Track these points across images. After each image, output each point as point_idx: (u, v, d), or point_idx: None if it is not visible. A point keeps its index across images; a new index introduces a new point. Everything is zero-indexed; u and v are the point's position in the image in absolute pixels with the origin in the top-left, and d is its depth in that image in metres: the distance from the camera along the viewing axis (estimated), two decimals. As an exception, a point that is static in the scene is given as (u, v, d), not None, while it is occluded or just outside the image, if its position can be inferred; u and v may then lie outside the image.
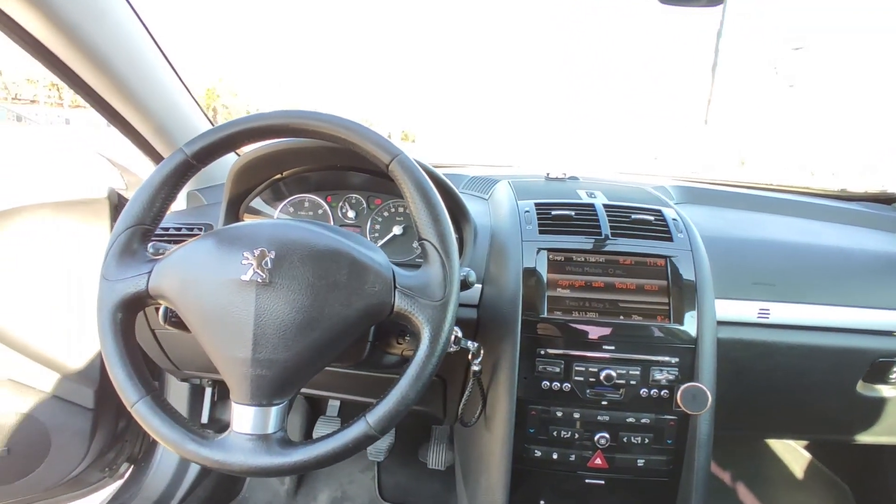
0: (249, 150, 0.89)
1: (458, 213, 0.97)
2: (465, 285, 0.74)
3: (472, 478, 0.95)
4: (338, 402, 1.51)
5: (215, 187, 1.18)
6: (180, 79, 1.00)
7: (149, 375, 0.64)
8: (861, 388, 0.97)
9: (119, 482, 1.41)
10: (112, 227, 1.15)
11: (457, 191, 0.93)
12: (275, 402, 0.61)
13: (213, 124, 1.13)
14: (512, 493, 0.87)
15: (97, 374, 1.21)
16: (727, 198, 1.25)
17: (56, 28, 0.74)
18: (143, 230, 0.66)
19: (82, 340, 1.18)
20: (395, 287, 0.62)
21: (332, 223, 1.04)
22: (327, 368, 0.99)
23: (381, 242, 1.03)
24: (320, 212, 1.05)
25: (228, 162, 0.95)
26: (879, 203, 1.35)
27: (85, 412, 1.21)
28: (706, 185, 1.36)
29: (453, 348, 0.75)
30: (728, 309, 0.91)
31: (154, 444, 1.43)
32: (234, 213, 1.00)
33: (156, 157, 1.10)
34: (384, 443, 1.43)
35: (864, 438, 1.09)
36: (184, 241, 1.03)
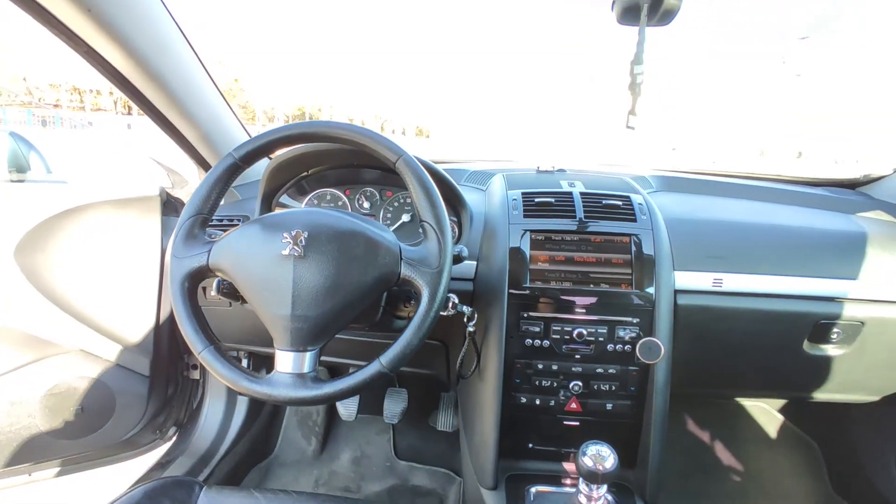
0: (280, 153, 1.07)
1: (456, 202, 1.14)
2: (458, 259, 0.91)
3: (470, 424, 1.13)
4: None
5: (248, 185, 1.38)
6: (222, 96, 1.19)
7: (210, 331, 0.81)
8: (807, 347, 1.12)
9: (168, 444, 1.62)
10: (162, 220, 1.36)
11: (454, 182, 1.10)
12: (309, 349, 0.78)
13: (248, 133, 1.32)
14: (504, 438, 1.05)
15: (151, 346, 1.41)
16: (700, 185, 1.41)
17: (131, 59, 0.94)
18: (203, 218, 0.83)
19: (139, 316, 1.38)
20: (401, 259, 0.79)
21: None
22: (347, 337, 1.18)
23: (392, 228, 1.21)
24: (340, 203, 1.23)
25: (261, 164, 1.14)
26: (844, 188, 1.49)
27: (142, 378, 1.42)
28: (683, 175, 1.51)
29: (451, 312, 0.92)
30: (687, 279, 1.06)
31: (197, 410, 1.63)
32: (267, 207, 1.19)
33: (200, 160, 1.29)
34: (398, 407, 1.62)
35: (820, 396, 1.24)
36: (230, 228, 1.23)
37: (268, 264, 0.76)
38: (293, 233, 0.76)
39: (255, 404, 1.67)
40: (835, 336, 1.10)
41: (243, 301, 1.08)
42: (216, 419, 1.61)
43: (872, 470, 1.46)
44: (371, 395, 1.71)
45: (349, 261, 0.77)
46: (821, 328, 1.09)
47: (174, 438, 1.62)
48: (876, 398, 1.25)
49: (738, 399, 1.74)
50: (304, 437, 1.75)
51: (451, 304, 0.92)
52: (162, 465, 1.51)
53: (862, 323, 1.08)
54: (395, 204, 1.22)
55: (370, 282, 0.78)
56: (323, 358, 0.85)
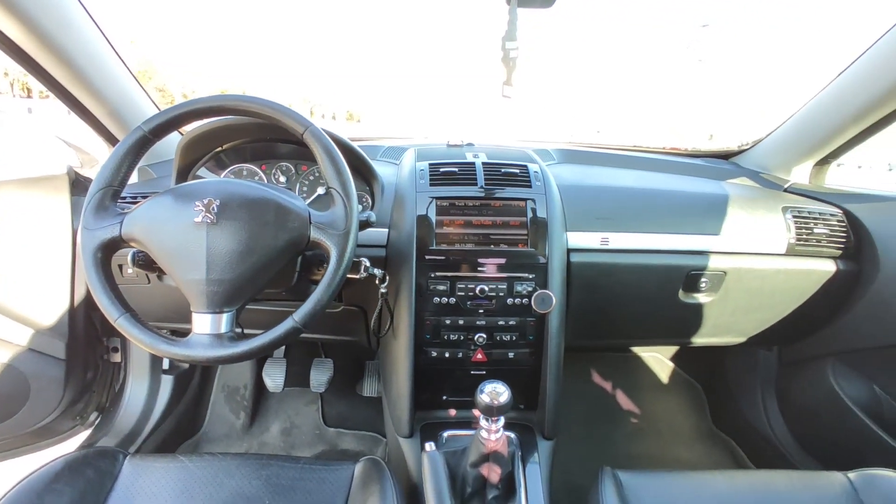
0: (192, 128, 1.09)
1: (367, 173, 1.21)
2: (367, 224, 0.99)
3: (388, 381, 1.22)
4: (283, 346, 1.75)
5: (162, 163, 1.38)
6: (130, 72, 1.19)
7: (125, 300, 0.84)
8: (682, 296, 1.28)
9: (90, 429, 1.60)
10: (71, 200, 1.34)
11: (363, 154, 1.17)
12: (225, 310, 0.82)
13: (158, 108, 1.32)
14: (421, 393, 1.14)
15: (66, 329, 1.39)
16: (596, 157, 1.55)
17: (32, 35, 0.93)
18: (113, 191, 0.85)
19: (51, 299, 1.35)
20: (310, 223, 0.85)
21: None
22: (267, 308, 1.23)
23: (308, 201, 1.25)
24: (256, 178, 1.26)
25: (174, 141, 1.16)
26: (719, 158, 1.69)
27: (58, 362, 1.39)
28: (584, 148, 1.65)
29: (363, 275, 0.99)
30: (578, 238, 1.19)
31: (120, 392, 1.62)
32: (183, 181, 1.20)
33: (109, 137, 1.28)
34: (324, 376, 1.68)
35: (697, 340, 1.42)
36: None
37: (181, 231, 0.80)
38: (205, 201, 0.80)
39: (181, 383, 1.67)
40: (703, 285, 1.26)
41: (160, 273, 1.11)
42: (140, 400, 1.60)
43: (744, 405, 1.68)
44: (298, 368, 1.76)
45: (261, 226, 0.82)
46: (692, 278, 1.25)
47: (96, 423, 1.61)
48: (743, 340, 1.45)
49: (635, 350, 1.94)
50: (233, 411, 1.78)
51: (363, 268, 0.99)
52: (84, 448, 1.49)
53: (724, 272, 1.25)
54: (311, 178, 1.27)
55: (281, 245, 0.83)
56: (246, 331, 0.90)
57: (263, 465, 0.95)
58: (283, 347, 1.74)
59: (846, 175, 1.52)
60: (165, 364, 1.59)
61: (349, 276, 0.92)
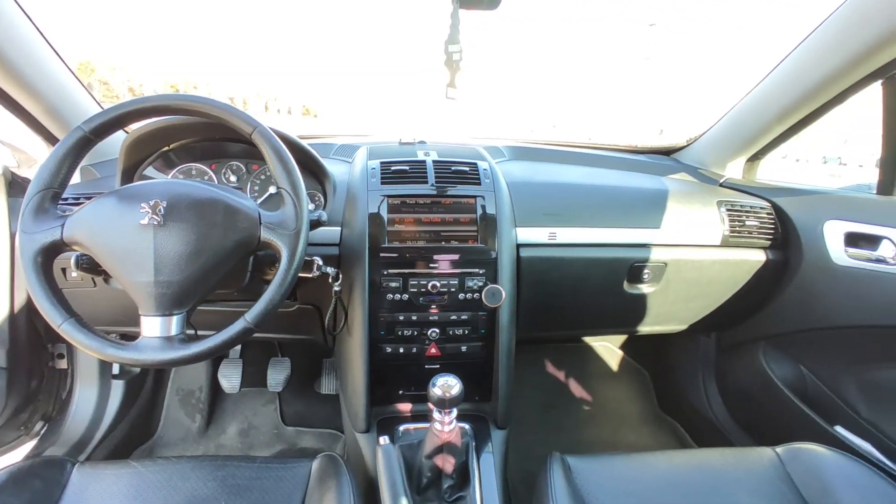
0: (138, 126, 1.06)
1: (318, 171, 1.21)
2: (318, 223, 0.99)
3: (344, 377, 1.23)
4: (239, 347, 1.73)
5: (106, 162, 1.34)
6: (68, 67, 1.16)
7: (69, 304, 0.82)
8: (627, 287, 1.35)
9: (35, 440, 1.54)
10: (8, 201, 1.28)
11: (314, 153, 1.17)
12: (175, 312, 0.81)
13: (100, 105, 1.29)
14: (378, 389, 1.16)
15: (7, 336, 1.34)
16: (545, 154, 1.59)
17: None
18: (53, 193, 0.82)
19: None
20: (260, 223, 0.85)
21: None
22: (220, 308, 1.22)
23: (260, 200, 1.25)
24: (206, 178, 1.25)
25: (118, 139, 1.13)
26: (661, 154, 1.77)
27: None
28: (534, 145, 1.69)
29: (316, 273, 1.00)
30: (527, 234, 1.22)
31: (67, 400, 1.57)
32: (128, 181, 1.18)
33: (48, 136, 1.24)
34: (282, 375, 1.68)
35: (643, 329, 1.49)
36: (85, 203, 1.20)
37: (127, 234, 0.78)
38: (151, 202, 0.79)
39: (132, 388, 1.63)
40: (646, 276, 1.33)
41: (107, 276, 1.08)
42: (89, 407, 1.56)
43: (687, 388, 1.78)
44: (255, 367, 1.75)
45: (209, 227, 0.81)
46: (635, 270, 1.31)
47: (42, 433, 1.55)
48: (684, 327, 1.53)
49: (586, 340, 2.02)
50: (188, 415, 1.75)
51: (315, 267, 0.99)
52: (30, 458, 1.44)
53: (665, 264, 1.32)
54: (262, 177, 1.26)
55: (231, 245, 0.83)
56: (199, 332, 0.89)
57: (219, 467, 0.95)
58: (239, 348, 1.73)
59: (787, 167, 1.62)
60: (115, 369, 1.55)
61: (302, 275, 0.93)
